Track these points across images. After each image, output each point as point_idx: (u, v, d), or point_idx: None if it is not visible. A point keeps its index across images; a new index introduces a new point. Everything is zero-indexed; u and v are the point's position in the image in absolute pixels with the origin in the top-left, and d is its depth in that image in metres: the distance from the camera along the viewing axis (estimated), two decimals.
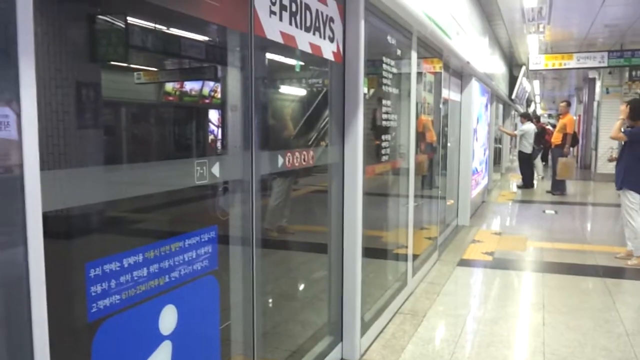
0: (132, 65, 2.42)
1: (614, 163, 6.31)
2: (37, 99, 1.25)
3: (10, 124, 1.22)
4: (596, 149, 15.00)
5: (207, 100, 2.55)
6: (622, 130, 5.91)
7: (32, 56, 1.24)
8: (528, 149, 13.04)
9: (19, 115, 1.22)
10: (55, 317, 1.33)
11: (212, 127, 2.45)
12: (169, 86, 2.63)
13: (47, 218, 1.30)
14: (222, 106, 2.36)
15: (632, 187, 5.76)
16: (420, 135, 5.35)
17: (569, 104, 12.28)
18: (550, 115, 36.35)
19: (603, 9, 9.70)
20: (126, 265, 1.63)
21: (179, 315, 1.88)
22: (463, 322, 4.20)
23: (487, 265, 5.95)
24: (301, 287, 3.43)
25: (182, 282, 1.91)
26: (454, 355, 3.58)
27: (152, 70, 2.60)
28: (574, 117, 14.24)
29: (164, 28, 2.26)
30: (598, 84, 15.41)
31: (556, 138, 11.64)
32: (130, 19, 2.02)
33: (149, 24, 2.16)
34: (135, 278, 1.67)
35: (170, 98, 2.69)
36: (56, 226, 1.45)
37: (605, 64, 13.04)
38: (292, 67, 3.34)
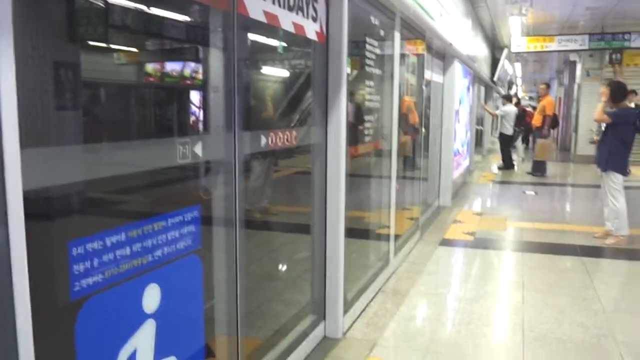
0: (112, 46, 2.40)
1: (594, 145, 6.39)
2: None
3: None
4: (576, 131, 15.17)
5: (189, 81, 2.53)
6: (606, 112, 5.97)
7: (9, 31, 1.22)
8: (509, 130, 13.11)
9: None
10: (38, 295, 1.33)
11: (194, 107, 2.43)
12: (150, 67, 2.61)
13: (28, 198, 1.29)
14: (204, 86, 2.35)
15: (617, 169, 5.84)
16: (403, 117, 5.37)
17: (548, 86, 12.41)
18: (531, 98, 36.58)
19: None
20: (109, 244, 1.63)
21: (162, 294, 1.89)
22: (444, 300, 4.27)
23: (468, 245, 6.03)
24: (284, 266, 3.45)
25: (165, 261, 1.91)
26: (435, 332, 3.65)
27: (132, 51, 2.57)
28: (553, 99, 14.32)
29: (145, 7, 2.23)
30: (579, 67, 15.52)
31: (536, 120, 11.75)
32: None
33: (130, 3, 2.13)
34: (118, 257, 1.67)
35: (152, 79, 2.67)
36: (38, 206, 1.44)
37: (586, 47, 13.14)
38: (275, 47, 3.32)
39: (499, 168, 13.34)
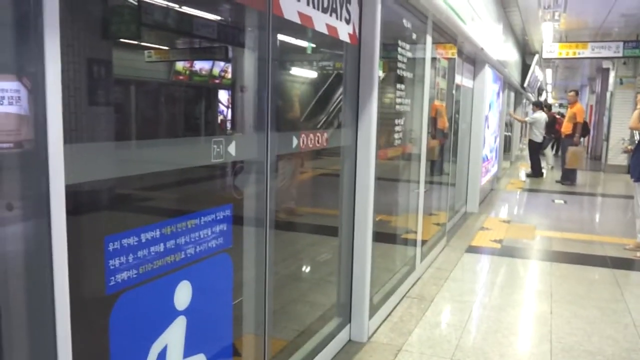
0: (145, 44, 2.43)
1: (625, 155, 6.27)
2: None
3: (22, 99, 1.23)
4: (607, 140, 14.89)
5: (223, 81, 2.55)
6: None
7: (56, 30, 1.25)
8: (539, 137, 12.90)
9: (31, 91, 1.23)
10: (75, 288, 1.35)
11: (229, 107, 2.45)
12: (183, 66, 2.64)
13: (69, 192, 1.31)
14: (239, 86, 2.36)
15: None
16: (433, 121, 5.33)
17: (577, 93, 12.21)
18: (561, 105, 36.05)
19: None
20: (144, 240, 1.65)
21: (193, 292, 1.91)
22: (470, 308, 4.22)
23: (495, 252, 5.96)
24: (310, 268, 3.46)
25: (197, 259, 1.93)
26: (461, 340, 3.61)
27: (164, 49, 2.61)
28: (583, 107, 14.02)
29: (184, 8, 2.26)
30: (612, 74, 15.26)
31: (566, 128, 11.57)
32: None
33: (171, 4, 2.16)
34: (152, 253, 1.69)
35: (181, 77, 2.70)
36: (77, 201, 1.47)
37: (621, 54, 12.90)
38: (308, 48, 3.33)
39: (528, 175, 13.13)
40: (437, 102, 5.53)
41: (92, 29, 1.85)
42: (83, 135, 1.70)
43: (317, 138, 2.88)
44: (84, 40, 1.76)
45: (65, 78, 1.30)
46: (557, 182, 11.97)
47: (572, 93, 11.95)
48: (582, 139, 12.62)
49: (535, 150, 13.13)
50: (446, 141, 6.25)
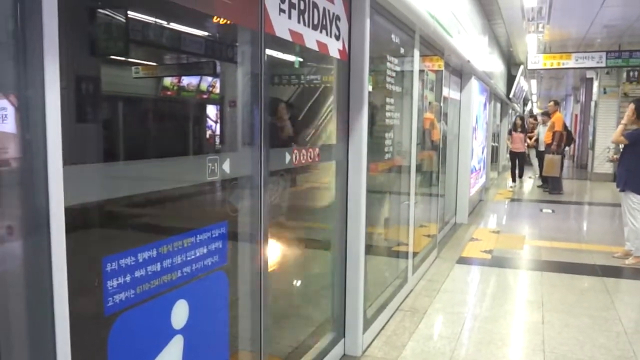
0: (133, 60, 2.44)
1: (611, 163, 6.36)
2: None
3: (8, 117, 1.23)
4: (593, 149, 15.06)
5: (215, 97, 2.56)
6: (623, 134, 5.94)
7: (56, 50, 1.26)
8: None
9: (18, 109, 1.23)
10: (75, 310, 1.35)
11: (222, 124, 2.46)
12: (170, 82, 2.64)
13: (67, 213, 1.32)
14: (232, 103, 2.38)
15: (635, 189, 5.79)
16: (426, 133, 5.39)
17: (556, 103, 12.40)
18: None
19: (602, 9, 9.74)
20: (141, 260, 1.65)
21: (190, 310, 1.90)
22: (463, 319, 4.23)
23: (485, 263, 5.99)
24: (304, 283, 3.46)
25: (194, 277, 1.93)
26: (455, 352, 3.62)
27: (151, 65, 2.62)
28: (562, 116, 13.84)
29: (180, 26, 2.27)
30: (595, 84, 15.46)
31: (547, 137, 11.71)
32: (136, 15, 2.04)
33: (163, 22, 2.17)
34: (149, 273, 1.69)
35: (169, 93, 2.71)
36: (74, 222, 1.47)
37: (604, 64, 13.09)
38: (299, 64, 3.35)
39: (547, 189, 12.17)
40: (428, 115, 5.58)
41: (81, 46, 1.86)
42: (74, 154, 1.70)
43: (309, 154, 2.90)
44: (72, 57, 1.77)
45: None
46: (538, 187, 12.59)
47: (551, 103, 12.16)
48: (567, 148, 12.65)
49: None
50: (436, 153, 6.29)
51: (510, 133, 13.76)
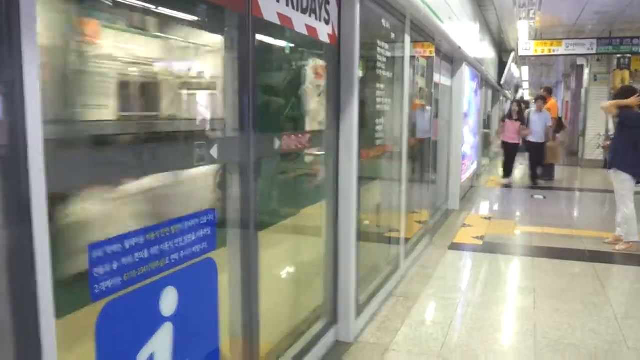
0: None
1: (601, 150, 6.40)
2: None
3: None
4: (584, 136, 15.11)
5: (204, 83, 2.52)
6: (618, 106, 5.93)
7: (35, 31, 1.22)
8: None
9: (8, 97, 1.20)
10: (59, 297, 1.32)
11: (211, 109, 2.43)
12: (160, 67, 2.60)
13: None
14: (220, 88, 2.34)
15: (619, 167, 5.81)
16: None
17: (548, 90, 12.30)
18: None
19: None
20: (127, 247, 1.62)
21: (179, 297, 1.88)
22: (455, 305, 4.24)
23: (477, 249, 6.00)
24: (296, 270, 3.44)
25: (182, 264, 1.90)
26: (447, 337, 3.62)
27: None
28: (557, 102, 13.38)
29: (161, 8, 2.23)
30: (586, 71, 15.48)
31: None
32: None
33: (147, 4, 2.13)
34: (137, 260, 1.66)
35: (161, 79, 2.67)
36: (57, 207, 1.44)
37: (594, 51, 13.13)
38: (288, 49, 3.31)
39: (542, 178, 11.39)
40: (417, 101, 5.55)
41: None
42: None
43: (299, 139, 2.87)
44: None
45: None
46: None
47: (542, 91, 12.11)
48: (557, 135, 12.37)
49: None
50: (427, 139, 6.28)
51: (503, 120, 11.75)
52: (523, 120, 11.19)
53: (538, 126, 10.91)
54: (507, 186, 10.92)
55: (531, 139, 11.05)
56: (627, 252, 5.82)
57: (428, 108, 6.15)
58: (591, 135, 14.60)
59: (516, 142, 11.32)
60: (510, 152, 11.41)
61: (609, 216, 7.58)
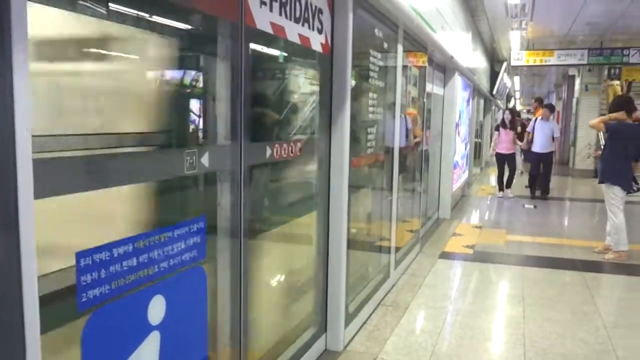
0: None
1: (592, 160, 6.45)
2: None
3: None
4: (574, 145, 15.21)
5: (197, 91, 2.53)
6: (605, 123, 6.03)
7: (25, 33, 1.22)
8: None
9: None
10: (46, 305, 1.32)
11: (202, 117, 2.43)
12: (152, 75, 2.60)
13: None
14: (212, 97, 2.34)
15: (611, 181, 5.86)
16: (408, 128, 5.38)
17: (538, 101, 12.36)
18: (529, 111, 36.77)
19: (585, 6, 9.83)
20: (116, 255, 1.62)
21: (167, 306, 1.87)
22: (445, 314, 4.25)
23: (467, 258, 6.02)
24: (285, 278, 3.44)
25: (171, 272, 1.90)
26: (437, 346, 3.62)
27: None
28: (506, 112, 12.60)
29: (155, 16, 2.23)
30: (577, 81, 15.62)
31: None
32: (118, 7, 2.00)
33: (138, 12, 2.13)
34: (125, 268, 1.66)
35: (152, 87, 2.66)
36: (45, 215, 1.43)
37: (585, 62, 13.25)
38: (281, 58, 3.32)
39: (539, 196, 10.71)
40: (412, 110, 5.58)
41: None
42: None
43: (290, 148, 2.87)
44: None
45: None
46: (526, 187, 12.01)
47: (534, 102, 12.21)
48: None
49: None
50: (419, 148, 6.31)
51: (497, 130, 11.04)
52: (516, 129, 10.74)
53: (543, 136, 10.33)
54: (498, 195, 10.88)
55: (535, 149, 10.38)
56: (617, 261, 5.86)
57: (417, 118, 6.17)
58: (582, 144, 14.69)
59: (511, 151, 10.73)
60: (503, 164, 10.77)
61: (598, 226, 7.63)
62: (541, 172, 10.59)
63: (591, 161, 14.08)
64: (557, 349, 3.62)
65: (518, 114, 14.77)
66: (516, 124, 10.88)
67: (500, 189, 10.80)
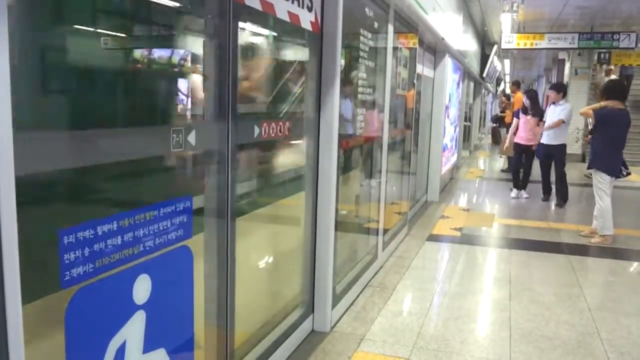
0: (100, 30, 2.33)
1: (580, 144, 6.46)
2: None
3: None
4: None
5: (184, 69, 2.48)
6: (593, 110, 6.06)
7: (4, 15, 1.18)
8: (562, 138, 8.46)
9: None
10: (28, 283, 1.29)
11: (189, 95, 2.39)
12: (139, 53, 2.55)
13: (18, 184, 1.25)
14: (199, 74, 2.30)
15: (599, 167, 5.90)
16: (409, 111, 5.36)
17: (515, 84, 12.50)
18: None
19: None
20: (100, 233, 1.59)
21: (153, 285, 1.85)
22: (431, 295, 4.27)
23: (455, 240, 6.05)
24: (273, 259, 3.43)
25: (157, 251, 1.87)
26: (423, 327, 3.64)
27: (120, 36, 2.51)
28: (522, 96, 12.16)
29: None
30: (567, 65, 15.62)
31: (508, 116, 11.85)
32: None
33: None
34: (109, 246, 1.63)
35: (139, 65, 2.61)
36: (27, 192, 1.40)
37: (576, 45, 13.23)
38: (270, 36, 3.27)
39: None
40: (400, 91, 5.55)
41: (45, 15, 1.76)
42: (34, 125, 1.62)
43: (279, 127, 2.84)
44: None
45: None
46: (502, 171, 12.10)
47: (512, 86, 12.34)
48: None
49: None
50: (409, 130, 6.30)
51: (517, 116, 9.03)
52: (541, 115, 8.68)
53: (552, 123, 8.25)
54: (487, 178, 10.91)
55: (543, 139, 8.40)
56: (602, 245, 5.91)
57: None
58: (570, 129, 14.72)
59: (532, 143, 8.67)
60: (521, 156, 8.92)
61: (585, 209, 7.69)
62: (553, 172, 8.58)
63: (579, 145, 14.16)
64: (542, 331, 3.65)
65: (507, 97, 14.43)
66: (539, 109, 8.87)
67: (515, 186, 8.99)
